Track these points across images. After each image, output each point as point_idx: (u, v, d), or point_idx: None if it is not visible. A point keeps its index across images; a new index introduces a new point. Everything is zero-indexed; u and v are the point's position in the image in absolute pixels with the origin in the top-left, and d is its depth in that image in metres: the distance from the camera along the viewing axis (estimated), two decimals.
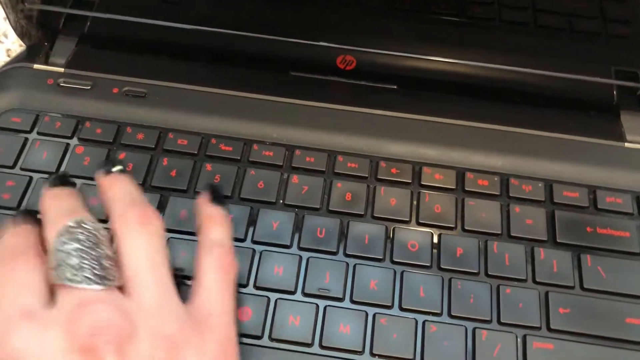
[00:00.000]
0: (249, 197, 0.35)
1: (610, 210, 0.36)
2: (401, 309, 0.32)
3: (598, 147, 0.39)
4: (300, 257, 0.33)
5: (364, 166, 0.37)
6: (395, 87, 0.42)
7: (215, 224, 0.29)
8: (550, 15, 0.43)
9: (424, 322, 0.32)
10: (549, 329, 0.32)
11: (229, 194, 0.35)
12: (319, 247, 0.34)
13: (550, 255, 0.34)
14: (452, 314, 0.32)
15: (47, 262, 0.25)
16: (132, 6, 0.42)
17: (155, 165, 0.37)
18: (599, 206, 0.36)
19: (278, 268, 0.33)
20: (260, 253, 0.33)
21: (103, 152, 0.37)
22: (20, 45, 0.45)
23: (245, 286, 0.32)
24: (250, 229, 0.34)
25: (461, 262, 0.34)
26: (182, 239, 0.34)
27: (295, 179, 0.36)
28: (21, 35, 0.43)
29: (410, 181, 0.37)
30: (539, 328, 0.32)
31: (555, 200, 0.36)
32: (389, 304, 0.32)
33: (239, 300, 0.32)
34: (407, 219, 0.35)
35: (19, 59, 0.42)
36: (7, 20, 0.41)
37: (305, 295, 0.32)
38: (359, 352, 0.31)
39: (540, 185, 0.37)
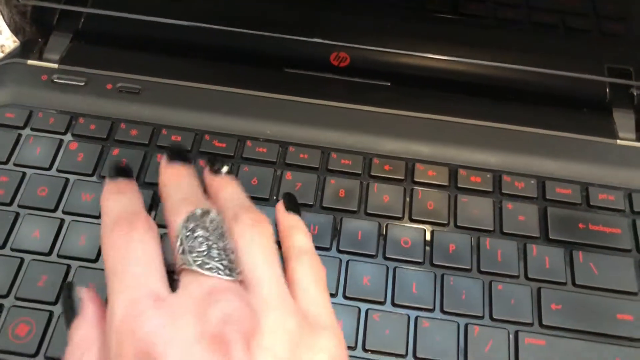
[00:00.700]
0: None
1: (602, 207, 0.36)
2: (394, 304, 0.32)
3: (590, 144, 0.39)
4: None
5: (357, 163, 0.37)
6: (388, 84, 0.42)
7: (297, 233, 0.29)
8: (543, 13, 0.43)
9: (416, 318, 0.32)
10: (541, 325, 0.32)
11: None
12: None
13: (542, 251, 0.34)
14: (445, 309, 0.32)
15: (171, 243, 0.26)
16: (126, 2, 0.42)
17: (149, 161, 0.37)
18: (591, 203, 0.36)
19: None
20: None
21: (97, 148, 0.37)
22: (14, 42, 0.45)
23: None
24: None
25: (454, 258, 0.34)
26: None
27: (288, 175, 0.36)
28: (15, 31, 0.43)
29: (403, 178, 0.37)
30: (531, 324, 0.32)
31: (547, 197, 0.36)
32: (382, 300, 0.32)
33: None
34: (400, 216, 0.35)
35: (12, 54, 0.42)
36: (1, 17, 0.41)
37: None
38: (352, 347, 0.31)
39: (532, 182, 0.37)
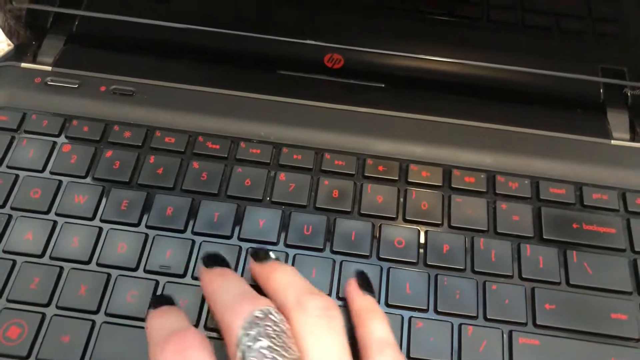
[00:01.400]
0: (236, 195, 0.35)
1: (596, 206, 0.36)
2: (388, 305, 0.32)
3: (584, 145, 0.39)
4: (287, 254, 0.33)
5: (351, 164, 0.37)
6: (382, 85, 0.42)
7: (375, 318, 0.27)
8: (537, 14, 0.43)
9: (410, 318, 0.32)
10: (535, 325, 0.32)
11: (216, 192, 0.35)
12: (305, 244, 0.34)
13: (536, 251, 0.34)
14: (438, 310, 0.32)
15: (229, 352, 0.23)
16: (120, 5, 0.42)
17: (142, 163, 0.37)
18: (585, 203, 0.36)
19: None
20: (247, 250, 0.33)
21: (90, 150, 0.37)
22: (8, 45, 0.45)
23: None
24: (237, 227, 0.34)
25: (447, 258, 0.34)
26: (168, 236, 0.34)
27: (282, 176, 0.36)
28: (9, 34, 0.43)
29: (397, 178, 0.37)
30: (525, 324, 0.32)
31: (541, 197, 0.36)
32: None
33: None
34: (394, 216, 0.35)
35: (6, 57, 0.42)
36: None
37: None
38: None
39: (526, 182, 0.37)
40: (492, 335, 0.31)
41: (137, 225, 0.34)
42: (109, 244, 0.33)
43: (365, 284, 0.29)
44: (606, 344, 0.31)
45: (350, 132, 0.39)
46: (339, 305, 0.30)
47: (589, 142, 0.39)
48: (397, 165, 0.37)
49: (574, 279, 0.33)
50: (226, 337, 0.24)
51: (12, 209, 0.35)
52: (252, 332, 0.23)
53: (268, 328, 0.23)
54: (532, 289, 0.33)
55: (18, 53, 0.42)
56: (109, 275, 0.32)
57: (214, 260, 0.29)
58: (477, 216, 0.35)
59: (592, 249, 0.34)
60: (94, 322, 0.31)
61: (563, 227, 0.35)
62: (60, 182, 0.36)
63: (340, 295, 0.32)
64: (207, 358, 0.23)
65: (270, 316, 0.24)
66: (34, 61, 0.42)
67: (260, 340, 0.22)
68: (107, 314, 0.31)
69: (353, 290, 0.29)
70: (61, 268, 0.32)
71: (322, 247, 0.34)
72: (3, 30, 0.42)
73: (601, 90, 0.42)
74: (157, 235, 0.34)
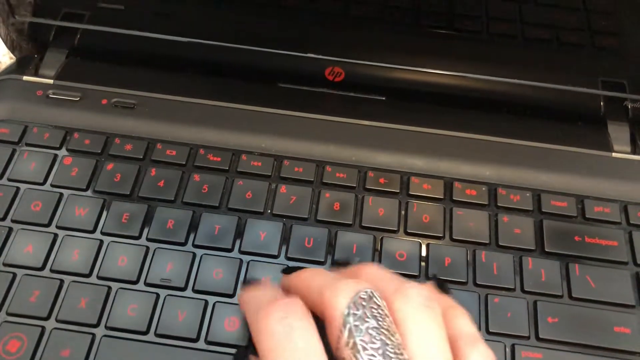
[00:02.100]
0: (237, 207, 0.35)
1: (598, 219, 0.36)
2: None
3: (586, 157, 0.39)
4: (288, 267, 0.33)
5: (352, 176, 0.37)
6: (383, 98, 0.42)
7: (462, 316, 0.26)
8: (538, 28, 0.43)
9: None
10: (538, 338, 0.32)
11: (217, 205, 0.35)
12: (306, 257, 0.34)
13: (538, 264, 0.34)
14: None
15: (332, 330, 0.23)
16: (121, 19, 0.43)
17: (144, 175, 0.37)
18: (587, 215, 0.36)
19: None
20: (248, 263, 0.33)
21: (91, 163, 0.37)
22: (11, 58, 0.45)
23: (232, 296, 0.32)
24: (238, 240, 0.34)
25: (449, 271, 0.34)
26: (169, 249, 0.34)
27: (283, 189, 0.36)
28: (12, 47, 0.43)
29: (398, 191, 0.37)
30: (528, 337, 0.32)
31: (543, 210, 0.36)
32: None
33: (226, 310, 0.32)
34: (396, 229, 0.35)
35: (8, 71, 0.42)
36: None
37: None
38: None
39: (528, 194, 0.37)
40: (494, 349, 0.30)
41: (138, 238, 0.34)
42: (110, 257, 0.33)
43: (443, 287, 0.28)
44: (609, 358, 0.31)
45: (351, 144, 0.39)
46: None
47: (590, 154, 0.39)
48: (398, 177, 0.37)
49: (576, 292, 0.33)
50: (326, 314, 0.23)
51: (13, 221, 0.34)
52: (359, 312, 0.22)
53: (374, 310, 0.22)
54: (535, 302, 0.33)
55: (20, 66, 0.42)
56: (110, 288, 0.32)
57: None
58: (479, 229, 0.35)
59: (595, 261, 0.34)
60: (94, 335, 0.31)
61: (565, 240, 0.35)
62: (61, 194, 0.36)
63: None
64: (310, 326, 0.23)
65: (374, 299, 0.23)
66: (36, 74, 0.42)
67: (367, 321, 0.22)
68: (107, 328, 0.31)
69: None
70: (61, 281, 0.32)
71: (323, 260, 0.34)
72: (5, 44, 0.42)
73: (601, 103, 0.42)
74: (158, 248, 0.34)
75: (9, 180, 0.36)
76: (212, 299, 0.32)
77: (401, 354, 0.21)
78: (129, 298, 0.32)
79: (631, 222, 0.36)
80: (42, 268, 0.33)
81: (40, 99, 0.40)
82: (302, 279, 0.26)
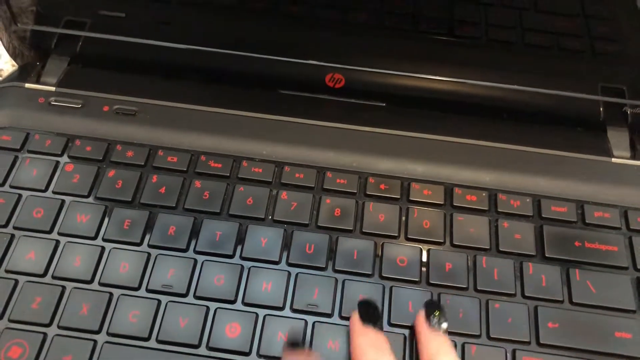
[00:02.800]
0: (238, 214, 0.36)
1: (598, 224, 0.36)
2: (390, 324, 0.32)
3: (585, 163, 0.39)
4: (289, 273, 0.33)
5: (353, 182, 0.37)
6: (383, 104, 0.42)
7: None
8: (537, 34, 0.43)
9: (412, 337, 0.31)
10: (539, 344, 0.32)
11: (218, 211, 0.35)
12: (307, 263, 0.34)
13: (539, 269, 0.34)
14: None
15: None
16: (123, 26, 0.43)
17: (145, 182, 0.37)
18: (587, 221, 0.36)
19: (267, 284, 0.33)
20: (249, 269, 0.33)
21: (93, 170, 0.37)
22: (13, 65, 0.45)
23: (233, 302, 0.32)
24: (239, 246, 0.34)
25: (450, 277, 0.34)
26: (170, 255, 0.34)
27: (284, 195, 0.36)
28: (14, 55, 0.43)
29: (399, 197, 0.37)
30: (529, 342, 0.32)
31: (543, 215, 0.36)
32: None
33: (227, 316, 0.32)
34: (396, 235, 0.35)
35: (11, 78, 0.42)
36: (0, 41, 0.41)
37: (294, 311, 0.32)
38: None
39: (528, 200, 0.37)
40: (495, 355, 0.31)
41: (140, 244, 0.34)
42: (111, 264, 0.33)
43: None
44: None
45: (351, 150, 0.39)
46: (343, 325, 0.30)
47: (590, 160, 0.39)
48: (399, 183, 0.37)
49: (577, 298, 0.33)
50: None
51: (15, 228, 0.35)
52: None
53: None
54: (535, 308, 0.33)
55: (22, 73, 0.43)
56: (111, 294, 0.32)
57: (370, 319, 0.30)
58: (479, 234, 0.35)
59: (595, 267, 0.34)
60: (95, 342, 0.31)
61: (565, 246, 0.35)
62: (63, 201, 0.36)
63: (343, 314, 0.32)
64: None
65: None
66: (37, 81, 0.42)
67: None
68: (109, 334, 0.31)
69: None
70: (63, 287, 0.32)
71: (324, 266, 0.34)
72: (7, 51, 0.43)
73: (601, 109, 0.42)
74: (160, 254, 0.34)
75: (11, 187, 0.36)
76: (213, 305, 0.32)
77: None
78: (130, 304, 0.32)
79: (631, 227, 0.36)
80: (44, 275, 0.33)
81: (42, 106, 0.40)
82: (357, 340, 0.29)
